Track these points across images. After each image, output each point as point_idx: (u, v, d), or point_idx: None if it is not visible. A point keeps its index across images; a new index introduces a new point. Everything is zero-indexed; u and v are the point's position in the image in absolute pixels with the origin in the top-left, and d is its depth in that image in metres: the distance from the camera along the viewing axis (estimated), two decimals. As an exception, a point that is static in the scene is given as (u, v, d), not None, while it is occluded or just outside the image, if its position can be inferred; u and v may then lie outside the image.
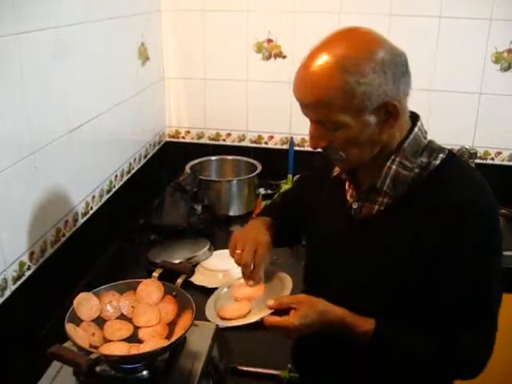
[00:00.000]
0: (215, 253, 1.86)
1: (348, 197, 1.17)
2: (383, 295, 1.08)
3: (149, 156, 2.28)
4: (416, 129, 1.08)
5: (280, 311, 1.08)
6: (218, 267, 1.74)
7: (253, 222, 1.37)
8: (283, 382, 1.33)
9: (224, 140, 2.48)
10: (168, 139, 2.52)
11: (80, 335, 1.09)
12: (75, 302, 1.15)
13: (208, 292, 1.35)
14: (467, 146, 2.18)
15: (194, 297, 1.19)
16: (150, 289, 1.23)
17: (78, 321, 1.13)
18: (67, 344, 1.08)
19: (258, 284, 1.21)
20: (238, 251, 1.21)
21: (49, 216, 1.49)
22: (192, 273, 1.28)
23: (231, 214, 2.17)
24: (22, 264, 1.37)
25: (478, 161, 2.20)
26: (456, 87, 2.19)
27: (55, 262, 1.51)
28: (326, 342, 1.14)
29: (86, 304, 1.16)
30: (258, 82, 2.34)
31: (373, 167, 1.09)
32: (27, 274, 1.39)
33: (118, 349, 1.12)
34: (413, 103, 1.09)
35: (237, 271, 1.27)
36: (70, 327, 1.07)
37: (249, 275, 1.21)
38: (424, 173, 1.06)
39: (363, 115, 1.00)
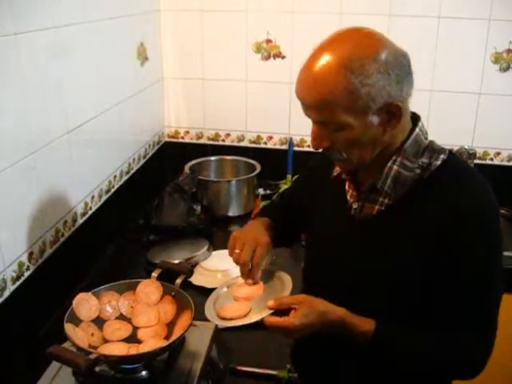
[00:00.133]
0: (214, 253, 1.86)
1: (348, 197, 1.17)
2: (383, 295, 1.08)
3: (148, 156, 2.28)
4: (417, 129, 1.08)
5: (280, 311, 1.08)
6: (217, 267, 1.74)
7: (252, 222, 1.37)
8: (282, 382, 1.33)
9: (223, 140, 2.47)
10: (167, 139, 2.52)
11: (79, 335, 1.09)
12: (74, 302, 1.15)
13: (207, 292, 1.34)
14: (466, 146, 2.18)
15: (193, 297, 1.19)
16: (149, 289, 1.23)
17: (77, 321, 1.13)
18: (66, 344, 1.08)
19: (257, 283, 1.21)
20: (237, 251, 1.21)
21: (48, 216, 1.49)
22: (191, 273, 1.28)
23: (230, 214, 2.17)
24: (21, 264, 1.37)
25: (477, 161, 2.20)
26: (455, 87, 2.19)
27: (54, 263, 1.51)
28: (325, 342, 1.13)
29: (85, 304, 1.16)
30: (257, 82, 2.34)
31: (373, 167, 1.08)
32: (26, 274, 1.39)
33: (117, 349, 1.12)
34: (412, 103, 1.08)
35: (236, 271, 1.27)
36: (69, 327, 1.07)
37: (247, 274, 1.21)
38: (425, 173, 1.06)
39: (366, 116, 1.00)
